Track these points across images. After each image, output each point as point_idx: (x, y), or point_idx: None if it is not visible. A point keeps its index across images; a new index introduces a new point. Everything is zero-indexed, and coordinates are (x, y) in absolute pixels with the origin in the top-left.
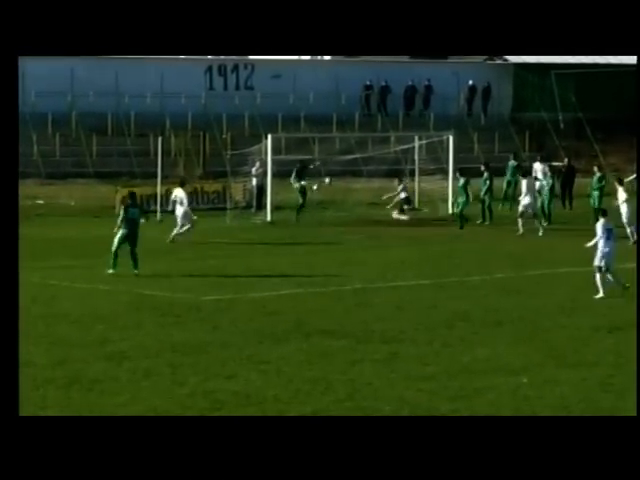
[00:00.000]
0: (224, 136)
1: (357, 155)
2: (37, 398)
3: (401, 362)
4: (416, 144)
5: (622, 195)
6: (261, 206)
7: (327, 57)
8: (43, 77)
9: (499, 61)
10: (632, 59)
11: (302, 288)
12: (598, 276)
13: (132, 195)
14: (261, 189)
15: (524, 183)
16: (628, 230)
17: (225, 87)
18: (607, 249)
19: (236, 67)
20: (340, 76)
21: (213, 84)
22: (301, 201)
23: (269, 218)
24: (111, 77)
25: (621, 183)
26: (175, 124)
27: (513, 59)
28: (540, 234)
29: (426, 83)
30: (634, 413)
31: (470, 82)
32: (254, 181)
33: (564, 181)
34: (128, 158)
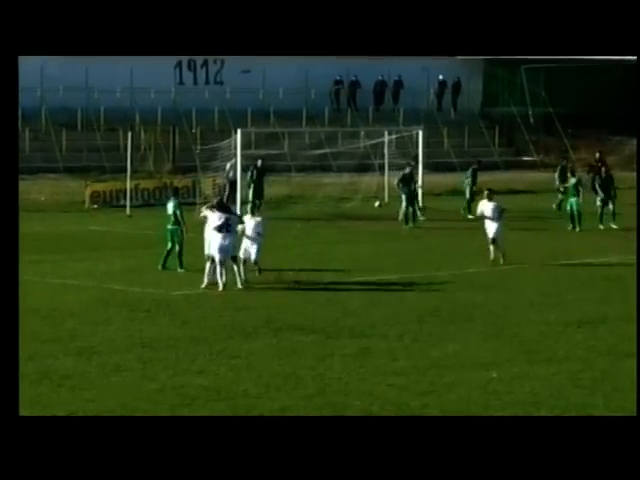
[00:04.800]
0: (194, 131)
1: (327, 150)
2: None
3: (371, 357)
4: (386, 139)
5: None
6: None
7: None
8: None
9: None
10: None
11: (272, 283)
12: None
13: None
14: (234, 184)
15: None
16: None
17: (195, 82)
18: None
19: (206, 62)
20: (310, 71)
21: (183, 79)
22: None
23: (238, 213)
24: (81, 72)
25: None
26: (145, 119)
27: None
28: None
29: (396, 78)
30: (603, 408)
31: (440, 77)
32: (230, 175)
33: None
34: (98, 153)
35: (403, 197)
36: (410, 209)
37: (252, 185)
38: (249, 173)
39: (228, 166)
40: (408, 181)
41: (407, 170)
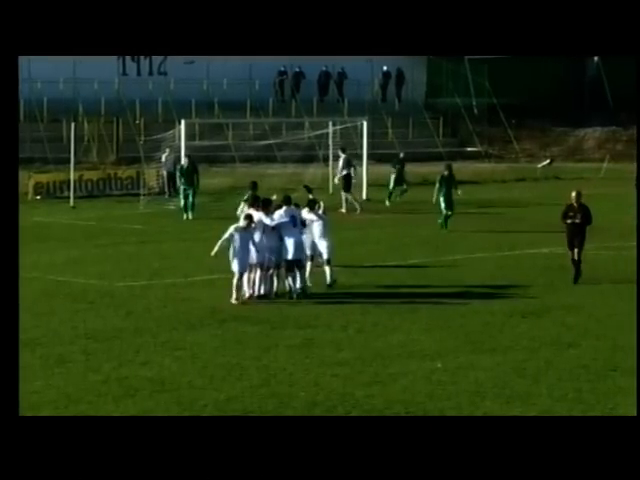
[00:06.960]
0: (137, 122)
1: (271, 141)
2: None
3: (316, 348)
4: (330, 130)
5: None
6: (175, 192)
7: None
8: None
9: None
10: None
11: (216, 274)
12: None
13: None
14: (173, 175)
15: None
16: None
17: (138, 72)
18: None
19: None
20: (254, 62)
21: (126, 69)
22: None
23: (182, 203)
24: (23, 62)
25: None
26: (88, 110)
27: None
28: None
29: (340, 69)
30: (547, 397)
31: (384, 68)
32: (165, 167)
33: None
34: (41, 144)
35: (441, 199)
36: (449, 212)
37: (184, 175)
38: (183, 164)
39: (163, 158)
40: (448, 183)
41: (446, 172)
